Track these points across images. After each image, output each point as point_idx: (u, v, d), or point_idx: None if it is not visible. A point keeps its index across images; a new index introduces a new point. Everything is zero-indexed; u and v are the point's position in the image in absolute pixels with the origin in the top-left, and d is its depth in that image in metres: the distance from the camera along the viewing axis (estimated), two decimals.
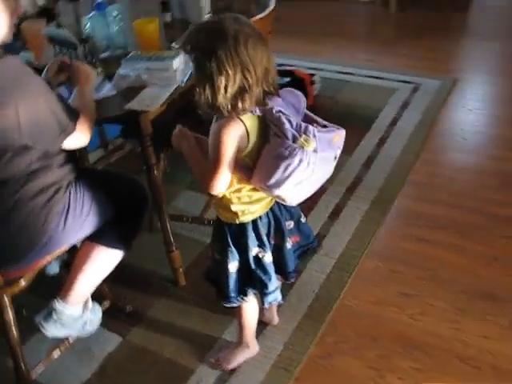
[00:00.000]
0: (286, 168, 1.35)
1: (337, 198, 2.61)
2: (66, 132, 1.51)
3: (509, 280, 2.13)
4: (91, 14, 2.01)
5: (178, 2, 2.43)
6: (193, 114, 1.47)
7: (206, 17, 2.39)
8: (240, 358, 1.84)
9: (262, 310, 1.83)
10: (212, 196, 1.52)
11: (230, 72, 1.27)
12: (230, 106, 1.32)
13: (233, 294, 1.63)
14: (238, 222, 1.54)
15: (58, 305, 1.72)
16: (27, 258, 1.60)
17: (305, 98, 1.48)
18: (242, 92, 1.31)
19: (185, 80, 1.81)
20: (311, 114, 1.48)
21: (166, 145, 1.63)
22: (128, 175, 1.89)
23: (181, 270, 2.15)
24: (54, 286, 1.77)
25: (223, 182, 1.41)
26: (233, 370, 1.84)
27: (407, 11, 5.08)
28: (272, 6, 2.21)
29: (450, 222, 2.44)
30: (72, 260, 1.79)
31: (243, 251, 1.57)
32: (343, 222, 2.46)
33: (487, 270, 2.18)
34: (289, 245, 1.64)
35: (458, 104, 3.46)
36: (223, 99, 1.31)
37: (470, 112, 3.37)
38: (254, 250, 1.57)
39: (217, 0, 2.45)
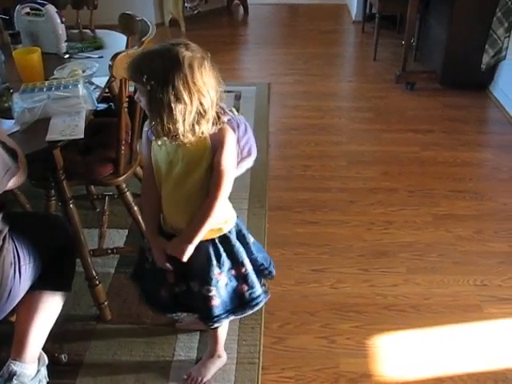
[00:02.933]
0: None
1: None
2: (11, 172, 1.39)
3: (387, 237, 2.52)
4: None
5: (28, 32, 2.29)
6: None
7: (63, 45, 2.32)
8: (213, 368, 1.86)
9: None
10: None
11: (187, 100, 1.29)
12: (189, 133, 1.35)
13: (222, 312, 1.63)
14: (222, 233, 1.55)
15: (16, 367, 1.55)
16: None
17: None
18: (199, 117, 1.34)
19: (98, 104, 1.77)
20: None
21: None
22: (50, 213, 1.77)
23: (106, 303, 2.06)
24: None
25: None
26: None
27: (196, 30, 5.39)
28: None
29: (323, 202, 2.76)
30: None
31: (236, 261, 1.59)
32: None
33: (369, 234, 2.54)
34: None
35: (278, 103, 3.87)
36: (181, 126, 1.32)
37: (291, 108, 3.80)
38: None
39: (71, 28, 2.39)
